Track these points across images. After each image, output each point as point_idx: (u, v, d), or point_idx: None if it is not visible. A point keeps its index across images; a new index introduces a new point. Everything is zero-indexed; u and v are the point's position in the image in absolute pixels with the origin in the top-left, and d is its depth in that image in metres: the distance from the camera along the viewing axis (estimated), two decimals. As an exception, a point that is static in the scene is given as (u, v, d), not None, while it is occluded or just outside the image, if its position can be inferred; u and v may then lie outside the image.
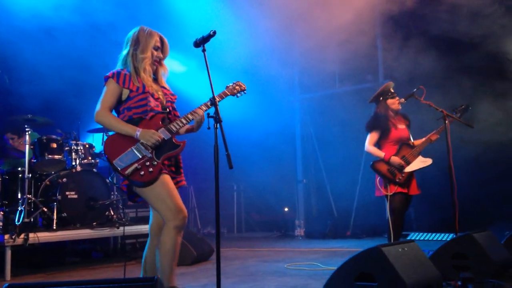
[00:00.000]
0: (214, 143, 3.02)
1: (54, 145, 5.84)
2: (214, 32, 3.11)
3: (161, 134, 3.07)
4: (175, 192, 3.07)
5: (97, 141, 7.36)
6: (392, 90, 4.92)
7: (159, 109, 3.16)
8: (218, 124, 3.04)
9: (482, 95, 7.16)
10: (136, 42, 3.18)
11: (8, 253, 4.76)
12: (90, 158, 6.29)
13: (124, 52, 3.21)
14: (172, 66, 9.50)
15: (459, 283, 3.38)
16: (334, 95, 9.57)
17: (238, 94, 3.46)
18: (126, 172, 2.93)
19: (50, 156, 5.76)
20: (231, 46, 7.71)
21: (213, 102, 3.14)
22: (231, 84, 3.44)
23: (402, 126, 4.91)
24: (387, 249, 2.93)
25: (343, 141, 8.99)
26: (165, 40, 3.27)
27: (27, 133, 5.46)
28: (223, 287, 3.12)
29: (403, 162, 4.70)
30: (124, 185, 3.14)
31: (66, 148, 6.08)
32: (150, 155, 3.00)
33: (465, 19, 6.61)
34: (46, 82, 7.47)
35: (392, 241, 4.77)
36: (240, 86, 3.46)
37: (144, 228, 6.31)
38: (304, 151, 10.14)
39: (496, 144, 6.99)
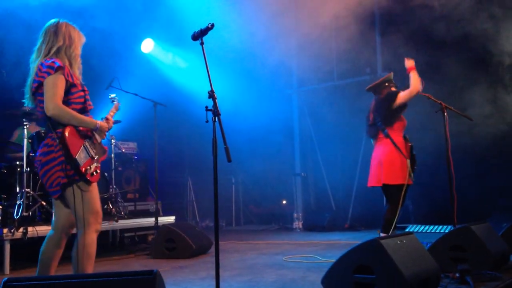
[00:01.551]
0: (213, 136, 3.02)
1: (52, 139, 5.82)
2: (212, 25, 3.10)
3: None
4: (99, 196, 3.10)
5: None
6: (392, 77, 4.96)
7: (92, 107, 3.15)
8: (216, 118, 3.04)
9: (478, 86, 7.17)
10: (69, 37, 3.09)
11: (7, 247, 4.77)
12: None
13: (55, 43, 3.05)
14: (172, 60, 9.52)
15: (457, 275, 3.40)
16: (332, 88, 9.55)
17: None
18: (84, 170, 2.93)
19: (48, 150, 5.74)
20: (229, 39, 7.68)
21: (211, 96, 3.13)
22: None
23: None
24: (385, 241, 2.94)
25: (341, 134, 9.00)
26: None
27: (25, 127, 5.44)
28: (221, 280, 3.14)
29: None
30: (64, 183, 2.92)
31: (64, 142, 6.06)
32: (95, 156, 3.06)
33: (463, 11, 6.60)
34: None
35: (382, 232, 4.76)
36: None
37: (143, 221, 6.33)
38: (302, 144, 10.14)
39: (494, 135, 7.00)
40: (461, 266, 3.40)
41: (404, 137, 4.70)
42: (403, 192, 4.49)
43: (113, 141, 6.75)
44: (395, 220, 4.55)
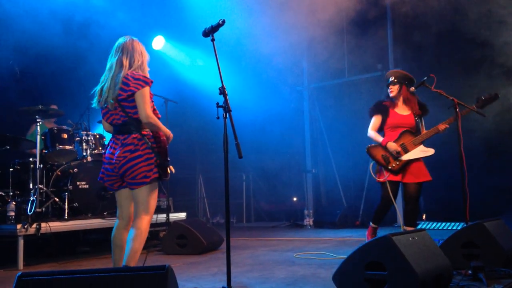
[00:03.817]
0: (224, 133, 3.02)
1: (65, 136, 5.89)
2: (223, 21, 3.10)
3: None
4: None
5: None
6: (391, 79, 4.96)
7: (159, 116, 3.46)
8: (227, 114, 3.04)
9: (490, 82, 7.10)
10: (142, 54, 3.39)
11: (21, 242, 4.82)
12: (100, 148, 6.32)
13: (133, 58, 3.35)
14: (183, 57, 9.54)
15: (470, 272, 3.37)
16: (343, 84, 9.51)
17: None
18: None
19: (61, 146, 5.81)
20: (239, 36, 7.68)
21: (222, 92, 3.14)
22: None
23: (405, 113, 4.93)
24: (397, 238, 2.92)
25: (352, 131, 8.96)
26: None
27: (37, 124, 5.50)
28: (233, 275, 3.15)
29: (400, 149, 4.71)
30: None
31: (77, 139, 6.13)
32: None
33: (477, 9, 6.54)
34: (56, 73, 7.53)
35: (371, 221, 5.01)
36: None
37: (155, 218, 6.34)
38: (313, 140, 10.12)
39: (507, 131, 6.93)
40: (473, 263, 3.37)
41: (404, 132, 4.83)
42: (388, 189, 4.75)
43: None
44: (381, 215, 4.91)
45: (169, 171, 3.27)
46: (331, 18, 7.78)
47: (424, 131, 4.91)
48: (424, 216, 8.11)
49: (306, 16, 8.39)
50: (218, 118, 3.11)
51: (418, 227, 7.11)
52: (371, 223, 5.06)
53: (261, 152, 9.81)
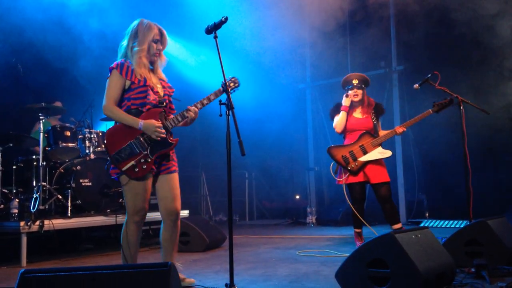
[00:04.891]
0: (226, 130, 3.02)
1: (68, 133, 5.90)
2: (226, 18, 3.10)
3: None
4: (148, 194, 3.26)
5: (109, 129, 7.40)
6: (355, 82, 5.05)
7: (156, 102, 3.26)
8: (230, 111, 3.04)
9: (496, 79, 7.07)
10: (135, 35, 3.26)
11: (24, 239, 4.83)
12: (103, 146, 6.33)
13: (124, 44, 3.30)
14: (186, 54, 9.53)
15: (473, 269, 3.37)
16: (346, 82, 9.48)
17: (232, 91, 3.38)
18: (124, 168, 3.11)
19: (64, 144, 5.82)
20: (242, 33, 7.67)
21: (224, 89, 3.14)
22: (226, 81, 3.31)
23: (362, 116, 5.08)
24: (400, 235, 2.92)
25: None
26: (164, 31, 3.35)
27: (41, 122, 5.51)
28: (235, 273, 3.15)
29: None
30: (116, 174, 3.21)
31: (80, 136, 6.14)
32: (146, 151, 3.15)
33: (481, 6, 6.51)
34: (59, 70, 7.53)
35: (354, 228, 5.15)
36: (234, 82, 3.42)
37: (157, 215, 6.34)
38: (316, 138, 10.10)
39: (511, 129, 6.91)
40: (477, 261, 3.36)
41: (364, 134, 4.98)
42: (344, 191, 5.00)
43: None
44: (356, 217, 5.03)
45: (119, 165, 3.10)
46: (334, 16, 7.76)
47: (381, 131, 5.00)
48: (427, 214, 8.10)
49: (309, 13, 8.38)
50: (220, 115, 3.12)
51: (421, 225, 7.10)
52: (354, 229, 5.17)
53: (264, 150, 9.80)
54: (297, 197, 10.34)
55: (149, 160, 3.15)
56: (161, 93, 3.32)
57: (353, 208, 5.00)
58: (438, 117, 4.95)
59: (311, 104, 10.18)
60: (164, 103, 3.32)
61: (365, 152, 4.87)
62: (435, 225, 7.39)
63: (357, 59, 9.21)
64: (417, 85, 4.77)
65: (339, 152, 4.98)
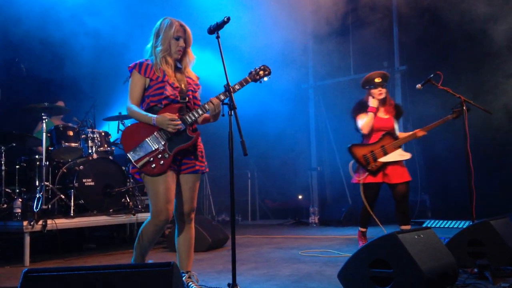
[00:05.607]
0: (229, 130, 3.02)
1: (71, 133, 5.91)
2: (228, 19, 3.08)
3: None
4: (170, 193, 3.10)
5: (113, 129, 7.42)
6: (378, 80, 4.95)
7: (175, 98, 3.15)
8: (232, 111, 3.03)
9: (497, 79, 7.06)
10: (158, 34, 3.21)
11: (27, 239, 4.85)
12: (106, 146, 6.35)
13: (149, 44, 3.27)
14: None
15: (476, 270, 3.36)
16: (348, 82, 9.47)
17: (263, 79, 3.32)
18: (139, 164, 3.03)
19: (66, 144, 5.83)
20: (244, 33, 7.67)
21: (227, 89, 3.13)
22: (254, 69, 3.31)
23: (385, 116, 4.99)
24: (403, 236, 2.91)
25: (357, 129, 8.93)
26: (187, 28, 3.26)
27: (43, 121, 5.52)
28: (238, 273, 3.15)
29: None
30: (136, 172, 3.15)
31: (83, 136, 6.15)
32: (163, 147, 3.06)
33: (483, 5, 6.50)
34: (62, 70, 7.55)
35: (360, 226, 5.09)
36: (264, 70, 3.29)
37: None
38: (318, 138, 10.10)
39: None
40: (479, 261, 3.36)
41: (385, 135, 4.90)
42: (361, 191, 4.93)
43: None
44: (367, 217, 5.02)
45: (135, 162, 3.03)
46: (336, 15, 7.76)
47: (398, 133, 4.96)
48: (430, 214, 8.08)
49: (312, 13, 8.38)
50: (223, 115, 3.11)
51: (424, 225, 7.09)
52: (359, 228, 5.11)
53: (266, 150, 9.80)
54: (300, 197, 10.33)
55: (167, 156, 3.05)
56: (184, 89, 3.21)
57: (368, 208, 4.88)
58: (441, 116, 4.93)
59: (313, 104, 10.17)
60: (187, 98, 3.20)
61: (385, 153, 4.80)
62: (437, 225, 7.38)
63: (359, 59, 9.20)
64: (419, 85, 4.75)
65: (360, 151, 4.89)
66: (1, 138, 5.78)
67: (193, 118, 3.13)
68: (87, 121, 6.44)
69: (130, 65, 3.19)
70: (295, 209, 10.12)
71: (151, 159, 3.03)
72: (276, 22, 7.88)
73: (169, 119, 3.03)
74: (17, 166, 5.90)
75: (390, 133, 4.90)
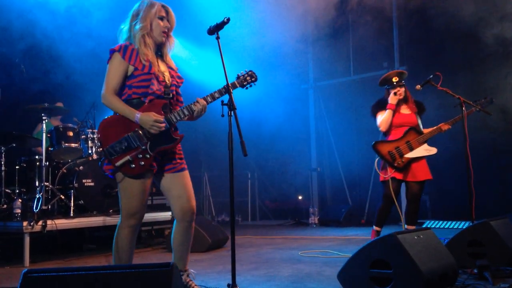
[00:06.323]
0: (228, 131, 3.01)
1: (71, 134, 5.91)
2: (228, 19, 3.07)
3: None
4: (146, 195, 2.97)
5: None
6: (395, 80, 4.93)
7: (161, 93, 2.97)
8: (232, 112, 3.03)
9: (498, 79, 7.06)
10: (137, 15, 2.98)
11: (27, 239, 4.85)
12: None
13: (124, 27, 3.02)
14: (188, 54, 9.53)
15: (475, 270, 3.36)
16: (349, 83, 9.49)
17: (248, 86, 3.21)
18: (117, 163, 2.81)
19: (66, 144, 5.83)
20: (244, 33, 7.67)
21: (226, 90, 3.11)
22: (242, 75, 3.22)
23: (407, 112, 4.96)
24: (402, 236, 2.91)
25: (357, 129, 8.95)
26: (170, 9, 3.03)
27: (43, 122, 5.52)
28: (238, 273, 3.15)
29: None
30: (110, 170, 2.91)
31: (83, 137, 6.16)
32: (144, 146, 2.86)
33: (483, 5, 6.50)
34: (62, 71, 7.55)
35: (374, 225, 5.00)
36: (251, 76, 3.19)
37: (160, 216, 6.37)
38: (318, 139, 10.11)
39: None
40: (479, 261, 3.35)
41: (410, 130, 4.85)
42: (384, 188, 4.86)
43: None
44: (385, 216, 4.92)
45: (113, 160, 2.80)
46: (336, 16, 7.76)
47: (422, 129, 4.94)
48: (430, 215, 8.08)
49: (312, 14, 8.38)
50: (223, 116, 3.09)
51: (424, 225, 7.09)
52: (374, 227, 5.04)
53: (266, 150, 9.81)
54: (300, 197, 10.33)
55: (148, 156, 2.84)
56: (168, 83, 3.01)
57: (397, 205, 4.79)
58: (441, 118, 4.94)
59: (313, 105, 10.18)
60: (171, 95, 3.01)
61: (411, 149, 4.75)
62: (437, 226, 7.38)
63: (359, 60, 9.21)
64: (419, 86, 4.75)
65: (385, 148, 4.82)
66: (1, 139, 5.78)
67: (178, 118, 2.95)
68: (87, 122, 6.45)
69: (113, 47, 2.91)
70: (295, 210, 10.13)
71: (131, 158, 2.81)
72: (276, 22, 7.88)
73: (154, 120, 2.83)
74: (17, 167, 5.90)
75: (415, 128, 4.84)
